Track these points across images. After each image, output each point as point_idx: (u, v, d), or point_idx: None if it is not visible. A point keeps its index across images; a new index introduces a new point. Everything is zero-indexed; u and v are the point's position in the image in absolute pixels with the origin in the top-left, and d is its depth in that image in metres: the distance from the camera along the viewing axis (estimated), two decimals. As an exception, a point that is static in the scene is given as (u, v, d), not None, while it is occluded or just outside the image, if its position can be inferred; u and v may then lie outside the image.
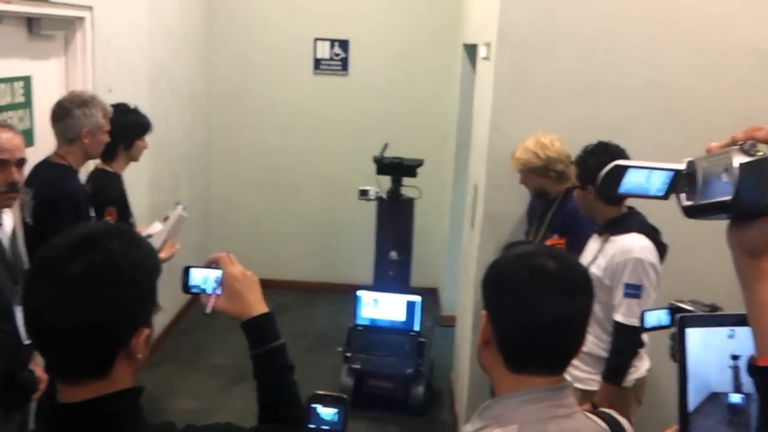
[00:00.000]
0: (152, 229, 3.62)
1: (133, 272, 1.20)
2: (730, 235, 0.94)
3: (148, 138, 3.88)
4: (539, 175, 3.51)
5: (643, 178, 0.96)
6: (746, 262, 0.93)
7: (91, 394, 1.19)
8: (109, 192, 3.59)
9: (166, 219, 3.63)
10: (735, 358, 1.08)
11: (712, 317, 1.13)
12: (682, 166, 0.95)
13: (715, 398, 1.05)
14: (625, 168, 0.96)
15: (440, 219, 6.49)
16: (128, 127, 3.69)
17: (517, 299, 1.33)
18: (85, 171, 3.63)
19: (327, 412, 1.38)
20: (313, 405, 1.38)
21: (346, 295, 5.41)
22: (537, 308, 1.31)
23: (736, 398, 1.03)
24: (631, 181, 0.97)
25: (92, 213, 3.32)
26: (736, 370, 1.05)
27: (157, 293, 1.30)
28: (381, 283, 5.15)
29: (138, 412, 1.26)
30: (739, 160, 0.86)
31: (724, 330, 1.05)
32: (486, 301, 1.40)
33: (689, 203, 0.94)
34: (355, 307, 4.78)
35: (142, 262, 1.24)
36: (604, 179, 0.98)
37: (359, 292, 4.82)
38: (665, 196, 0.97)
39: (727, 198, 0.86)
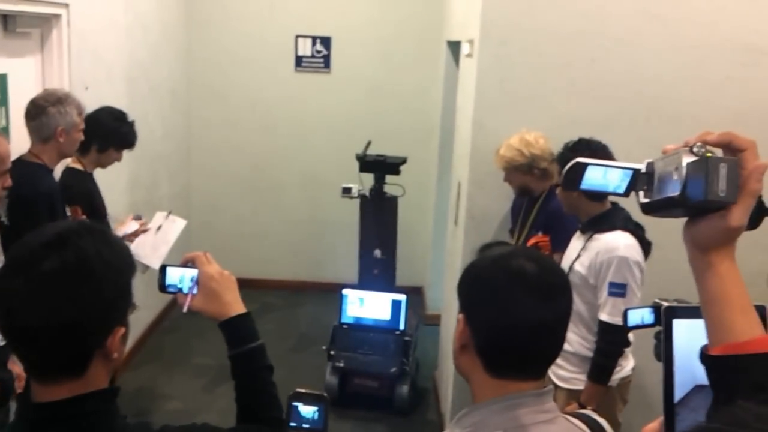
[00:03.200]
0: (129, 228, 3.59)
1: (107, 270, 1.20)
2: (684, 231, 1.00)
3: (126, 153, 3.84)
4: (523, 172, 3.49)
5: (600, 176, 1.02)
6: (698, 256, 0.99)
7: (66, 393, 1.19)
8: (76, 190, 3.53)
9: (159, 228, 3.65)
10: None
11: (698, 309, 1.12)
12: (640, 166, 1.01)
13: (700, 390, 1.05)
14: (584, 165, 1.02)
15: (425, 217, 6.47)
16: (110, 133, 3.66)
17: (495, 303, 1.30)
18: (59, 169, 3.58)
19: (307, 411, 1.38)
20: (294, 403, 1.38)
21: (331, 294, 5.38)
22: (516, 311, 1.28)
23: None
24: (590, 178, 1.02)
25: (68, 213, 3.28)
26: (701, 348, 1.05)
27: (133, 292, 1.28)
28: (366, 282, 5.13)
29: (114, 412, 1.26)
30: (686, 159, 0.93)
31: None
32: (463, 304, 1.37)
33: (646, 200, 1.01)
34: (340, 305, 4.76)
35: (115, 260, 1.23)
36: (566, 175, 1.03)
37: (344, 291, 4.80)
38: (625, 194, 1.02)
39: (676, 194, 0.94)
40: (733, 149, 0.94)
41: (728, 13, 3.61)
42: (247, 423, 1.50)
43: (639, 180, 1.00)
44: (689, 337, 1.07)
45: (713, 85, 3.65)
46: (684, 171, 0.93)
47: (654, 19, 3.62)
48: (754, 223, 0.98)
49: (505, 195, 3.77)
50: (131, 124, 3.78)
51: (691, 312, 1.10)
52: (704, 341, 1.02)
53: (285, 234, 6.90)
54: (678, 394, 1.07)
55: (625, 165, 1.01)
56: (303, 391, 1.39)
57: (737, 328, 0.96)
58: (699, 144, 0.93)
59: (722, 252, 0.97)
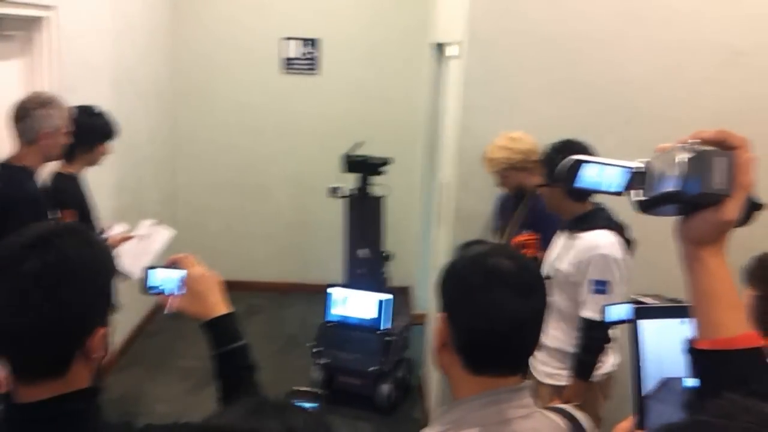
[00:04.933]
0: (114, 231, 3.59)
1: (88, 271, 1.21)
2: (678, 227, 1.03)
3: (113, 143, 3.82)
4: (519, 170, 3.50)
5: (596, 174, 1.02)
6: (690, 253, 1.02)
7: (48, 393, 1.19)
8: (68, 195, 3.52)
9: (144, 237, 3.64)
10: None
11: (665, 309, 1.17)
12: (636, 164, 1.02)
13: (668, 383, 1.08)
14: (581, 162, 1.02)
15: (412, 218, 6.49)
16: (90, 130, 3.61)
17: (473, 301, 1.31)
18: (46, 173, 3.57)
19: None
20: (274, 400, 1.39)
21: (317, 295, 5.38)
22: (494, 309, 1.29)
23: (691, 382, 1.05)
24: (586, 176, 1.02)
25: (58, 215, 3.27)
26: (686, 340, 1.09)
27: (114, 292, 1.29)
28: (353, 282, 5.15)
29: (96, 412, 1.26)
30: (683, 156, 0.95)
31: (677, 319, 1.08)
32: (442, 303, 1.38)
33: (641, 198, 1.01)
34: (326, 303, 4.78)
35: (97, 261, 1.24)
36: (560, 173, 1.03)
37: (330, 289, 4.83)
38: (621, 193, 1.03)
39: (674, 189, 0.95)
40: (726, 147, 0.97)
41: (707, 15, 3.65)
42: None
43: (635, 179, 1.01)
44: (657, 334, 1.11)
45: (693, 86, 3.69)
46: (682, 167, 0.94)
47: (636, 21, 3.66)
48: (744, 218, 1.01)
49: (490, 195, 3.80)
50: (104, 114, 3.73)
51: (657, 312, 1.14)
52: (670, 339, 1.06)
53: (272, 235, 6.90)
54: (647, 387, 1.10)
55: (622, 163, 1.02)
56: (299, 389, 1.41)
57: (726, 324, 0.99)
58: (695, 140, 0.95)
59: (714, 248, 1.00)
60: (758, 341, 0.99)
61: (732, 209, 0.97)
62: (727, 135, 0.97)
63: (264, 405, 0.92)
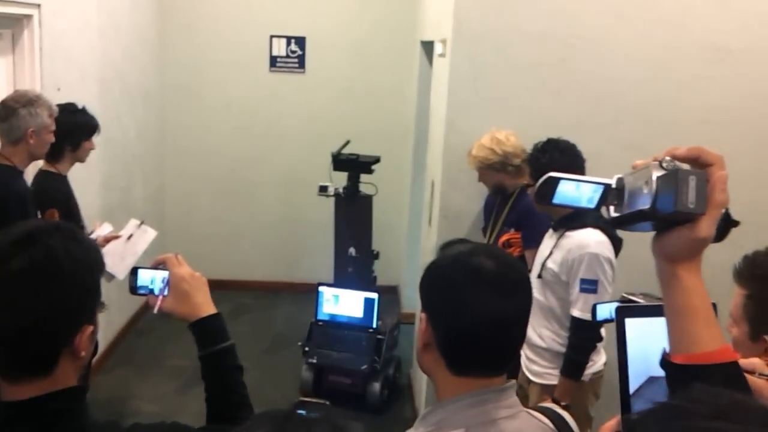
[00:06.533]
0: (102, 230, 3.57)
1: (76, 269, 1.20)
2: (653, 243, 1.03)
3: (97, 138, 3.80)
4: (497, 170, 3.52)
5: (573, 189, 1.04)
6: (665, 269, 1.02)
7: (34, 392, 1.19)
8: (52, 194, 3.51)
9: (130, 237, 3.63)
10: None
11: (650, 308, 1.17)
12: (611, 181, 1.03)
13: (653, 381, 1.09)
14: (557, 180, 1.04)
15: (400, 216, 6.49)
16: (75, 128, 3.61)
17: (456, 300, 1.30)
18: (31, 172, 3.55)
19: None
20: (298, 411, 1.39)
21: (306, 294, 5.38)
22: (477, 309, 1.28)
23: None
24: (563, 192, 1.04)
25: (38, 215, 3.26)
26: (662, 353, 1.09)
27: (101, 290, 1.29)
28: (342, 280, 5.15)
29: (82, 410, 1.26)
30: (656, 173, 0.95)
31: (662, 318, 1.08)
32: (425, 303, 1.38)
33: (616, 214, 1.03)
34: (317, 302, 4.77)
35: (84, 258, 1.23)
36: (538, 190, 1.04)
37: (320, 288, 4.82)
38: (596, 208, 1.05)
39: (646, 207, 0.96)
40: (701, 164, 0.97)
41: (695, 13, 3.67)
42: (217, 423, 1.50)
43: (610, 194, 1.02)
44: (642, 333, 1.12)
45: (680, 85, 3.70)
46: (654, 185, 0.94)
47: (623, 20, 3.67)
48: (720, 235, 1.01)
49: (478, 194, 3.80)
50: (84, 110, 3.74)
51: (643, 311, 1.15)
52: (655, 337, 1.06)
53: (260, 234, 6.88)
54: (633, 385, 1.11)
55: (597, 180, 1.03)
56: (306, 399, 1.40)
57: (702, 340, 0.99)
58: (668, 158, 0.95)
59: (689, 265, 1.00)
60: (734, 355, 1.01)
61: (706, 227, 0.96)
62: (701, 152, 0.97)
63: (291, 417, 0.91)
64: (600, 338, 2.99)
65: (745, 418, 0.71)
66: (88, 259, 1.25)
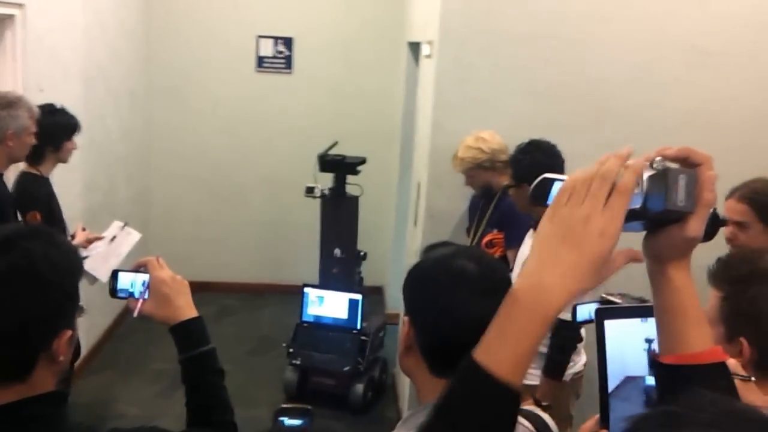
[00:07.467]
0: (82, 233, 3.55)
1: (54, 273, 1.20)
2: (644, 243, 1.03)
3: (79, 138, 3.78)
4: (486, 169, 3.53)
5: None
6: (656, 269, 1.03)
7: (11, 397, 1.18)
8: (34, 196, 3.48)
9: (113, 239, 3.61)
10: (649, 341, 1.18)
11: (628, 309, 1.18)
12: None
13: (630, 381, 1.10)
14: (551, 181, 1.06)
15: (386, 217, 6.49)
16: (56, 128, 3.58)
17: (437, 304, 1.30)
18: (12, 174, 3.52)
19: (293, 424, 1.40)
20: (280, 418, 1.39)
21: (291, 295, 5.36)
22: (459, 311, 1.27)
23: (652, 381, 1.07)
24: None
25: (19, 217, 3.23)
26: (650, 353, 1.10)
27: (80, 294, 1.28)
28: (327, 282, 5.13)
29: (61, 416, 1.25)
30: (647, 174, 0.95)
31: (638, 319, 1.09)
32: (408, 306, 1.37)
33: None
34: (302, 303, 4.76)
35: (62, 262, 1.23)
36: (533, 191, 1.06)
37: (306, 289, 4.80)
38: None
39: (637, 206, 0.96)
40: (690, 163, 0.98)
41: (677, 16, 3.70)
42: (198, 427, 1.50)
43: None
44: (620, 333, 1.13)
45: (663, 86, 3.73)
46: (645, 184, 0.95)
47: (606, 22, 3.69)
48: (709, 234, 1.03)
49: (463, 194, 3.81)
50: (63, 110, 3.71)
51: (621, 313, 1.16)
52: (632, 338, 1.07)
53: (246, 236, 6.86)
54: (611, 385, 1.12)
55: None
56: (288, 406, 1.42)
57: (691, 341, 1.00)
58: (659, 158, 0.96)
59: (679, 265, 1.02)
60: (723, 356, 1.02)
61: (696, 226, 0.98)
62: (690, 152, 0.98)
63: None
64: (580, 339, 3.00)
65: (745, 427, 0.72)
66: (67, 264, 1.24)
